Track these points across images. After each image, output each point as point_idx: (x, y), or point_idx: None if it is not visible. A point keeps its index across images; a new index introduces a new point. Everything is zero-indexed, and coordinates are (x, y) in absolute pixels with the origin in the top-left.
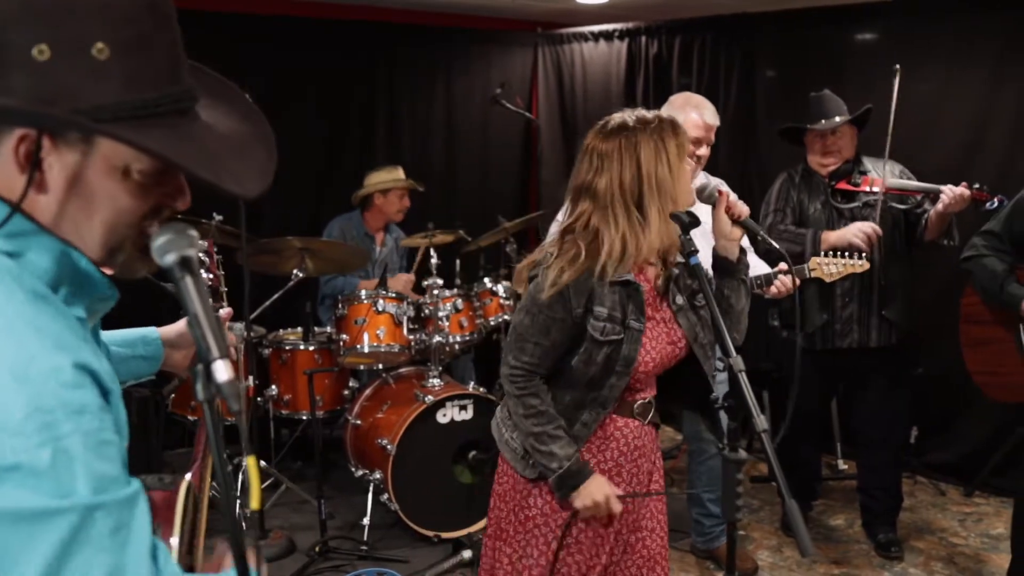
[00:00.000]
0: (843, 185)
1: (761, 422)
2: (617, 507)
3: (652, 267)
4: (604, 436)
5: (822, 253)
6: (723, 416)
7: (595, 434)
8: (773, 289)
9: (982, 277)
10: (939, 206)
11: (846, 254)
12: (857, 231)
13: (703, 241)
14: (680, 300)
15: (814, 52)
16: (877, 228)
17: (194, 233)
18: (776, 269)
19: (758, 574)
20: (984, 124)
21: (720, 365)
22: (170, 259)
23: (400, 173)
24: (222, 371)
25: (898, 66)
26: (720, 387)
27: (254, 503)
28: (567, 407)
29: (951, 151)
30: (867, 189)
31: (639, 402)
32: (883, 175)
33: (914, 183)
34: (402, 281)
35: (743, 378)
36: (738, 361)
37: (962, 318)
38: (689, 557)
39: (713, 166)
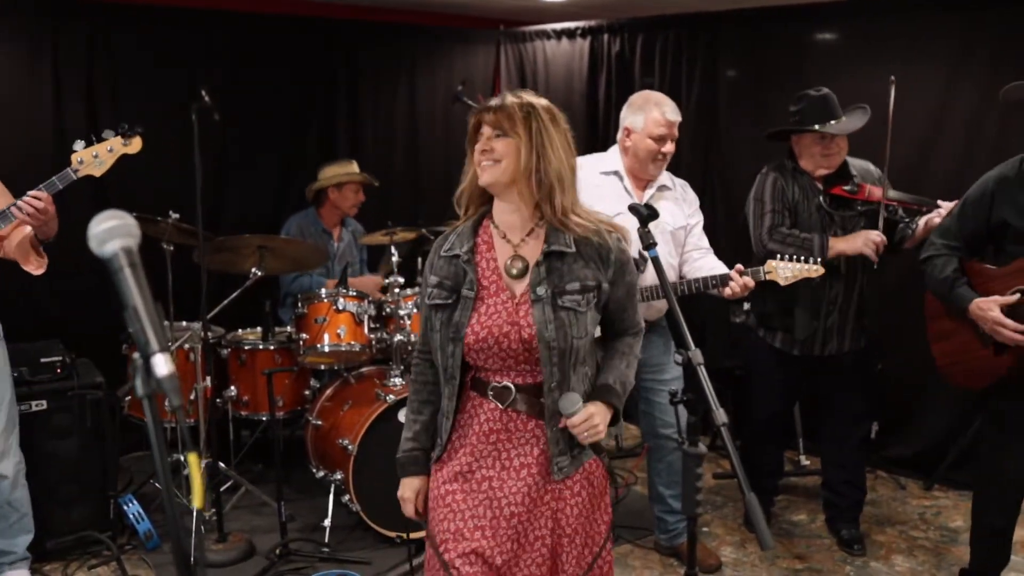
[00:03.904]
0: (838, 191)
1: (721, 415)
2: (408, 510)
3: (508, 245)
4: (464, 412)
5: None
6: (682, 410)
7: (462, 411)
8: (727, 290)
9: (933, 280)
10: (935, 219)
11: (802, 258)
12: (867, 240)
13: (661, 239)
14: (541, 291)
15: (777, 50)
16: (884, 238)
17: (133, 222)
18: (732, 270)
19: (721, 570)
20: (941, 121)
21: (679, 358)
22: (110, 248)
23: (354, 167)
24: (162, 365)
25: (893, 77)
26: (676, 382)
27: (197, 501)
28: (441, 385)
29: (908, 148)
30: (864, 198)
31: (493, 384)
32: (883, 186)
33: (912, 196)
34: (370, 284)
35: (702, 371)
36: (697, 354)
37: (927, 315)
38: (653, 555)
39: (675, 165)
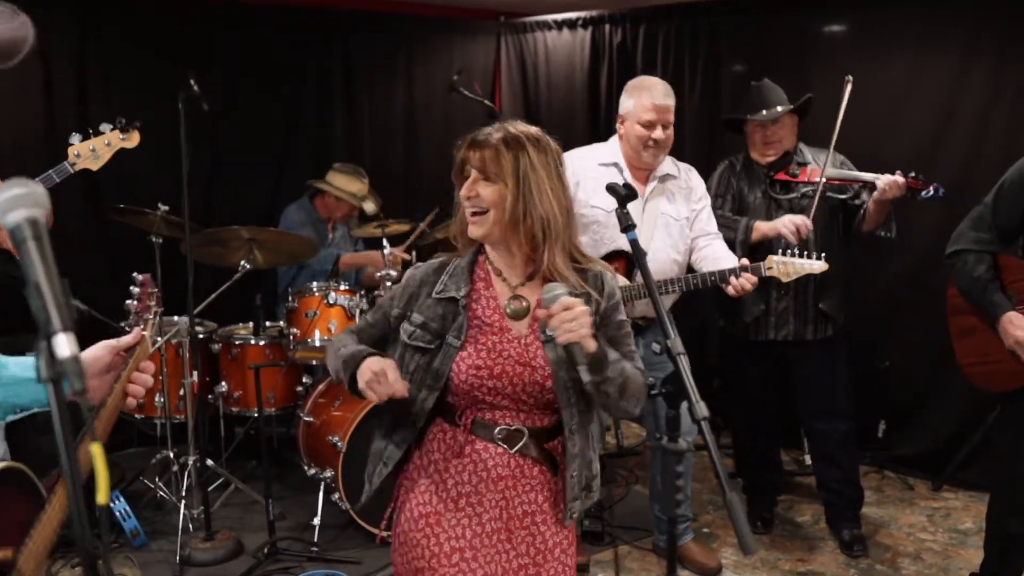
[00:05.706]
0: (781, 176)
1: (701, 409)
2: (378, 372)
3: (506, 285)
4: (459, 454)
5: (751, 243)
6: (661, 404)
7: (450, 450)
8: (731, 289)
9: (964, 277)
10: (875, 193)
11: (804, 253)
12: (788, 222)
13: (664, 231)
14: (550, 331)
15: (780, 40)
16: (808, 222)
17: (41, 191)
18: (733, 267)
19: (722, 573)
20: (950, 114)
21: (657, 348)
22: (14, 218)
23: (364, 185)
24: (63, 346)
25: (850, 76)
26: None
27: (101, 497)
28: (386, 426)
29: (918, 140)
30: (806, 180)
31: (501, 427)
32: (823, 165)
33: (852, 172)
34: (375, 257)
35: (682, 362)
36: (677, 343)
37: (949, 310)
38: (650, 556)
39: (678, 157)
